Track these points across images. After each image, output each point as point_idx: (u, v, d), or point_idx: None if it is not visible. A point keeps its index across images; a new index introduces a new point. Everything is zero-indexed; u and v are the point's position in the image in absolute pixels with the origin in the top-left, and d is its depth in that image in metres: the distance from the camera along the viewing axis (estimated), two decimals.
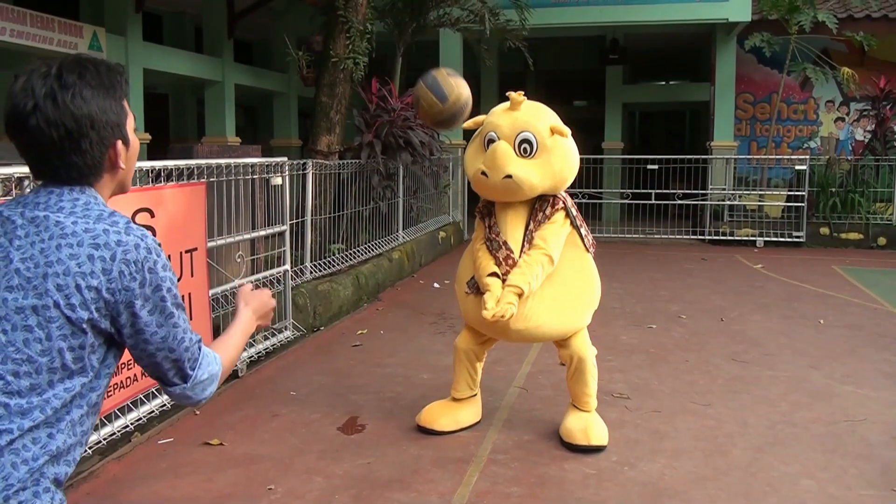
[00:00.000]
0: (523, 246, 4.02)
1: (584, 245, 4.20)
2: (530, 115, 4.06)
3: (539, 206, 4.09)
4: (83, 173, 1.54)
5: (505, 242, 4.03)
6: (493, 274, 3.97)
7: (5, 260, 1.46)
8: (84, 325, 1.46)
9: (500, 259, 4.00)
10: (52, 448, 1.44)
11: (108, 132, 1.54)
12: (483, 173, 3.99)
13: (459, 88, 3.48)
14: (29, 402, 1.41)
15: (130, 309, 1.50)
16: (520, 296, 3.87)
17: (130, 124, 1.62)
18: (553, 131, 4.01)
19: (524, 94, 4.09)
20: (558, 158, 4.02)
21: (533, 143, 3.97)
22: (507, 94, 4.12)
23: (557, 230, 4.06)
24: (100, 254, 1.47)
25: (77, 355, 1.46)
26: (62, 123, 1.48)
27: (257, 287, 2.10)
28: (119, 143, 1.57)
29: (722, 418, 4.66)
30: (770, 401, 4.96)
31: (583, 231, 4.20)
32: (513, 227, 4.06)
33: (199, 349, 1.64)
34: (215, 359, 1.69)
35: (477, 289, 4.10)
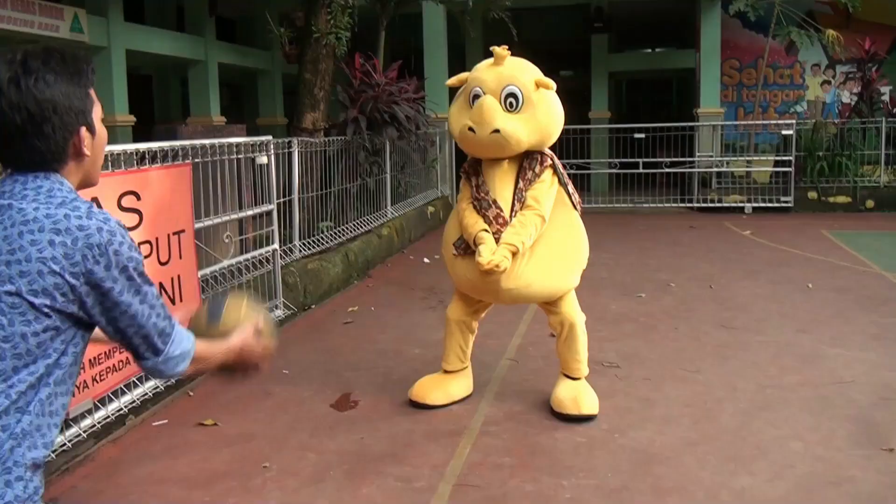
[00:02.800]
0: (513, 205, 4.02)
1: (572, 202, 4.20)
2: (515, 69, 4.07)
3: (528, 164, 4.09)
4: (46, 159, 1.54)
5: (494, 201, 4.03)
6: (484, 230, 3.98)
7: None
8: (47, 310, 1.46)
9: (490, 218, 4.00)
10: (18, 430, 1.44)
11: (71, 118, 1.54)
12: (470, 129, 3.99)
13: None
14: None
15: (97, 291, 1.51)
16: (514, 254, 3.88)
17: (97, 113, 1.62)
18: (538, 85, 4.02)
19: (508, 49, 4.11)
20: (544, 112, 4.03)
21: (519, 97, 3.97)
22: (490, 48, 4.13)
23: (547, 189, 4.06)
24: (61, 239, 1.47)
25: (40, 340, 1.47)
26: (24, 107, 1.49)
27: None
28: (83, 129, 1.57)
29: (711, 384, 4.70)
30: (759, 365, 5.01)
31: (570, 189, 4.20)
32: (502, 186, 4.06)
33: (172, 325, 1.65)
34: (188, 337, 1.70)
35: (465, 249, 4.09)
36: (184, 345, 1.68)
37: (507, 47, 4.10)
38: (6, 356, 1.44)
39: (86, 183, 1.66)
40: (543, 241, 4.06)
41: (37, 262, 1.45)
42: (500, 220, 3.99)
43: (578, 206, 4.25)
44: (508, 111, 3.96)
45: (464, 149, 4.21)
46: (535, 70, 4.13)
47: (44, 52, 1.54)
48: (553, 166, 4.14)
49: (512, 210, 4.02)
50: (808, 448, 3.81)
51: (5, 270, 1.45)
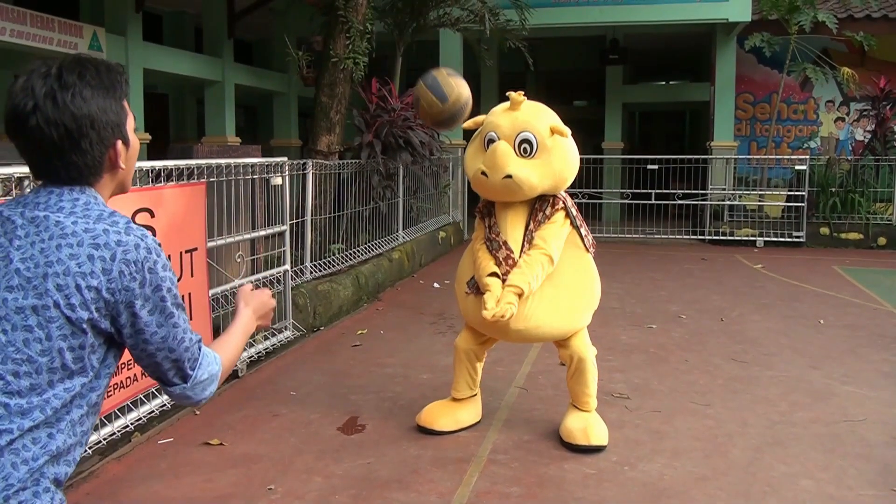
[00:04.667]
0: (523, 246, 4.02)
1: (584, 245, 4.20)
2: (530, 114, 4.05)
3: (539, 206, 4.09)
4: (83, 173, 1.53)
5: (505, 242, 4.03)
6: (493, 274, 3.97)
7: (5, 260, 1.46)
8: (84, 325, 1.45)
9: (500, 259, 4.00)
10: (52, 448, 1.44)
11: (108, 132, 1.53)
12: (483, 173, 3.99)
13: (459, 88, 3.43)
14: (29, 402, 1.41)
15: (130, 309, 1.50)
16: (520, 296, 3.88)
17: (130, 124, 1.61)
18: (553, 131, 4.01)
19: (524, 95, 4.09)
20: (558, 158, 4.02)
21: (533, 143, 3.96)
22: (507, 93, 4.12)
23: (557, 230, 4.06)
24: (100, 254, 1.46)
25: (77, 355, 1.46)
26: (62, 123, 1.47)
27: (257, 287, 2.10)
28: (119, 143, 1.57)
29: (721, 418, 4.66)
30: (769, 401, 4.96)
31: (583, 231, 4.20)
32: (513, 227, 4.06)
33: (199, 349, 1.64)
34: (215, 359, 1.69)
35: (477, 289, 4.10)
36: (211, 368, 1.67)
37: (522, 93, 4.10)
38: (42, 370, 1.43)
39: (118, 192, 1.66)
40: (554, 283, 4.05)
41: (75, 276, 1.45)
42: (510, 262, 3.98)
43: (592, 249, 4.24)
44: (522, 157, 3.96)
45: (478, 192, 4.22)
46: (552, 115, 4.13)
47: (78, 64, 1.53)
48: (566, 208, 4.13)
49: (522, 251, 4.02)
50: (818, 486, 3.76)
51: (42, 283, 1.44)
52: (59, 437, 1.45)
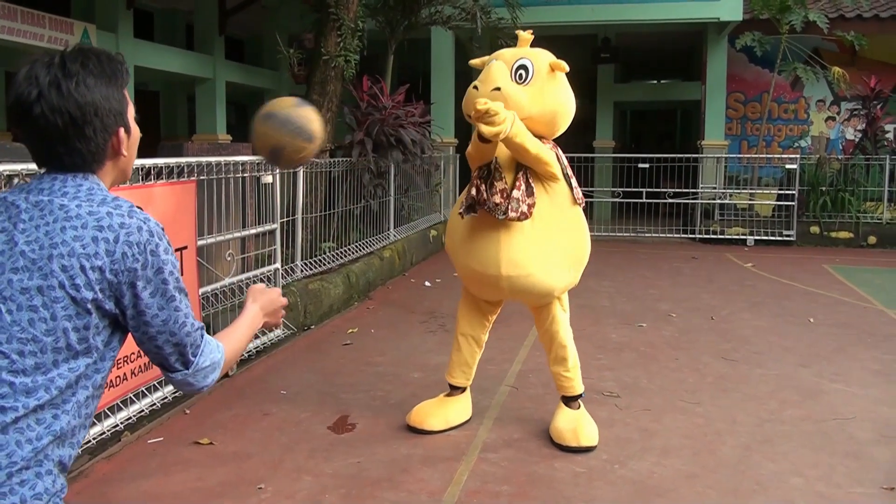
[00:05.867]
0: (517, 181, 3.95)
1: (574, 197, 4.13)
2: (533, 50, 4.12)
3: None
4: (86, 160, 1.57)
5: (503, 177, 3.96)
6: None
7: (10, 243, 1.49)
8: (88, 306, 1.48)
9: (497, 189, 3.92)
10: (56, 429, 1.46)
11: (110, 120, 1.58)
12: (475, 87, 3.98)
13: (311, 120, 2.56)
14: (34, 381, 1.44)
15: (133, 290, 1.53)
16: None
17: (131, 113, 1.65)
18: (553, 68, 4.04)
19: (532, 34, 4.17)
20: (552, 93, 4.03)
21: (529, 70, 3.98)
22: (516, 31, 4.18)
23: (544, 145, 3.99)
24: (103, 235, 1.50)
25: (82, 336, 1.49)
26: (66, 111, 1.51)
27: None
28: (121, 130, 1.61)
29: (711, 416, 4.67)
30: (759, 399, 4.98)
31: (573, 182, 4.14)
32: (509, 165, 4.01)
33: (202, 336, 1.67)
34: (218, 347, 1.71)
35: (469, 209, 4.03)
36: (213, 355, 1.69)
37: (531, 31, 4.17)
38: (47, 349, 1.46)
39: (120, 180, 1.70)
40: (545, 235, 4.01)
41: (79, 257, 1.48)
42: (504, 195, 3.91)
43: (581, 201, 4.18)
44: (517, 82, 3.97)
45: (466, 110, 4.03)
46: (554, 58, 4.13)
47: (81, 54, 1.57)
48: (556, 154, 4.06)
49: (515, 184, 3.94)
50: (808, 484, 3.77)
51: (47, 265, 1.47)
52: (63, 418, 1.47)
